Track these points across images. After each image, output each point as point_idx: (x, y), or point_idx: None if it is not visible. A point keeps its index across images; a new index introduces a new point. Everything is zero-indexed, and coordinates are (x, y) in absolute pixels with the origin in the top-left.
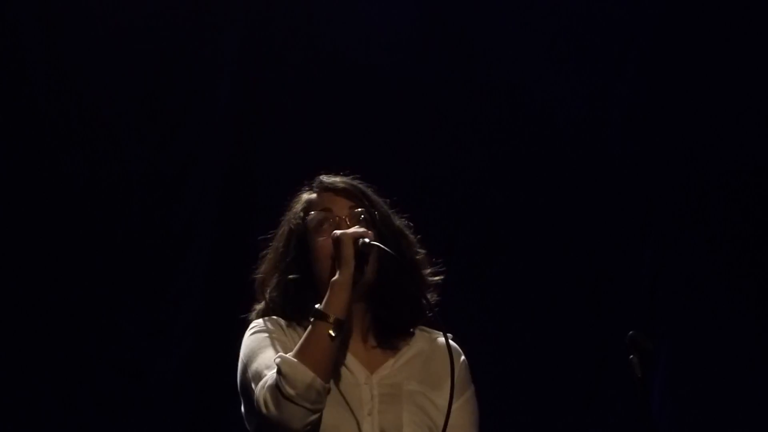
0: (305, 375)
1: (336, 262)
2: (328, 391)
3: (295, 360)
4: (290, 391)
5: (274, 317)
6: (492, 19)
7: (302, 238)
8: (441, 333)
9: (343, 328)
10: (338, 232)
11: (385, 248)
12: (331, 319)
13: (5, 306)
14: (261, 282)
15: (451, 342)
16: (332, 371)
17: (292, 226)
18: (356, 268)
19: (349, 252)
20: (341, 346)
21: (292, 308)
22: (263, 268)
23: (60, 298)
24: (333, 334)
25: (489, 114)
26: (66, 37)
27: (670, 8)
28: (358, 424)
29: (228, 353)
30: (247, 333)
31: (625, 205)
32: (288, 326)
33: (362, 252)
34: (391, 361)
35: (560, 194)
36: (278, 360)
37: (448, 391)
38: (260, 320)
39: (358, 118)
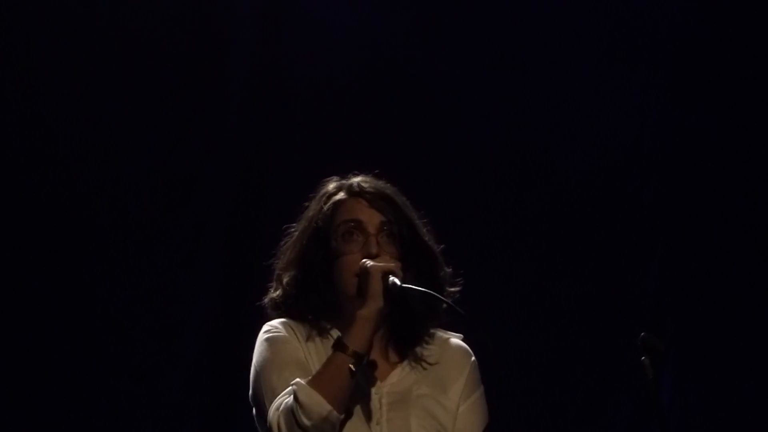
0: (322, 407)
1: (362, 291)
2: (342, 422)
3: (313, 390)
4: (306, 421)
5: (290, 322)
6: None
7: (327, 239)
8: (454, 335)
9: (362, 361)
10: (368, 263)
11: (415, 288)
12: (351, 352)
13: (12, 309)
14: (279, 274)
15: (462, 343)
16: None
17: (319, 225)
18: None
19: (377, 288)
20: None
21: (307, 306)
22: (283, 259)
23: (68, 301)
24: (353, 369)
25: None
26: (77, 41)
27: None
28: None
29: (238, 358)
30: (262, 335)
31: (632, 217)
32: (308, 339)
33: (390, 290)
34: (399, 369)
35: (571, 208)
36: (296, 387)
37: (457, 393)
38: (276, 323)
39: (369, 121)
